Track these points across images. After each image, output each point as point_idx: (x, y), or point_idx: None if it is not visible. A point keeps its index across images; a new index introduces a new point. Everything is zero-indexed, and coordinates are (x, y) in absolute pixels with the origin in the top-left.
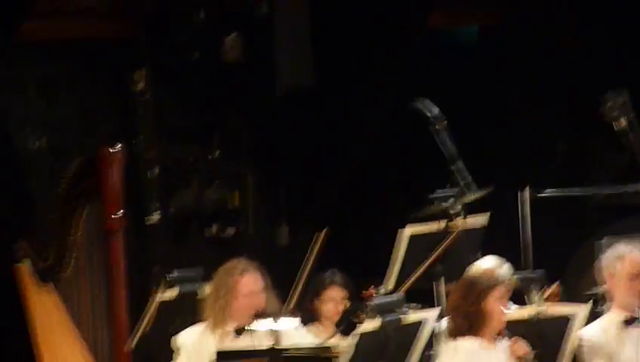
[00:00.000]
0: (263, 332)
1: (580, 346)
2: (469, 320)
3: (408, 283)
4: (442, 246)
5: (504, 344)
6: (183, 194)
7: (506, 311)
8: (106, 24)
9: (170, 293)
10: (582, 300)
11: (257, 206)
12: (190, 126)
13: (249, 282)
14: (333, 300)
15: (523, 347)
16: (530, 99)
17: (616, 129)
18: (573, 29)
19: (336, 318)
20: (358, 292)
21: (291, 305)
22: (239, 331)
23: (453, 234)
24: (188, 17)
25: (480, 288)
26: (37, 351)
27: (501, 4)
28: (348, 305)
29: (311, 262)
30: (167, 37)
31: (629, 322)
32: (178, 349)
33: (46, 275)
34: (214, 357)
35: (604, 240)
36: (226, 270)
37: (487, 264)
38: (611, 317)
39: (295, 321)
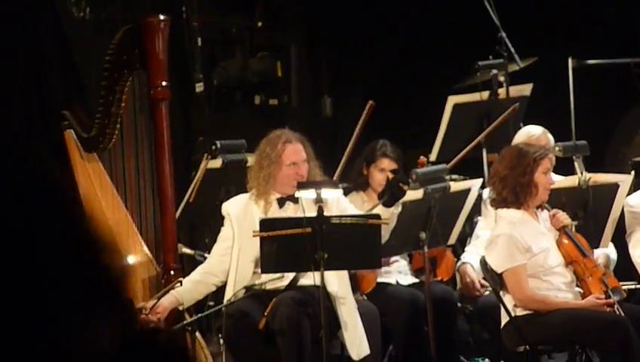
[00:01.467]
0: (306, 202)
1: (624, 212)
2: (516, 192)
3: (459, 157)
4: (496, 123)
5: (545, 215)
6: (227, 65)
7: (554, 176)
8: None
9: (215, 163)
10: (627, 169)
11: (301, 77)
12: None
13: (292, 152)
14: (383, 171)
15: (564, 217)
16: None
17: None
18: None
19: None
20: (406, 163)
21: (336, 176)
22: (282, 200)
23: (509, 110)
24: None
25: (529, 159)
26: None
27: None
28: (391, 176)
29: (357, 133)
30: None
31: None
32: (226, 216)
33: (89, 145)
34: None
35: None
36: (269, 140)
37: (535, 134)
38: None
39: (338, 191)
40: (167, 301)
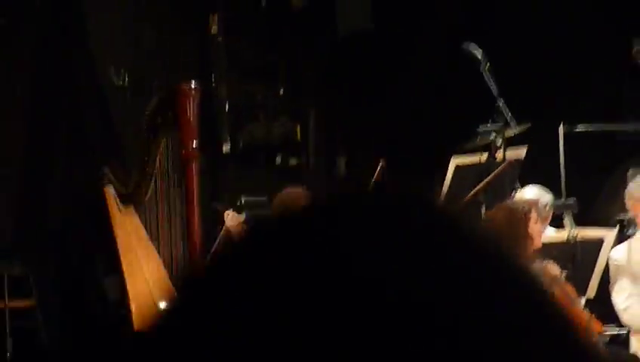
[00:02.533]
0: None
1: (608, 265)
2: (513, 244)
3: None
4: (493, 175)
5: (538, 266)
6: (251, 128)
7: (550, 232)
8: None
9: (239, 218)
10: (612, 225)
11: (318, 139)
12: (258, 66)
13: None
14: None
15: (555, 269)
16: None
17: None
18: None
19: None
20: None
21: None
22: None
23: (505, 163)
24: None
25: (521, 212)
26: (120, 267)
27: None
28: None
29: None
30: None
31: None
32: None
33: (127, 200)
34: None
35: (630, 172)
36: (280, 197)
37: (530, 193)
38: (637, 239)
39: None
40: None
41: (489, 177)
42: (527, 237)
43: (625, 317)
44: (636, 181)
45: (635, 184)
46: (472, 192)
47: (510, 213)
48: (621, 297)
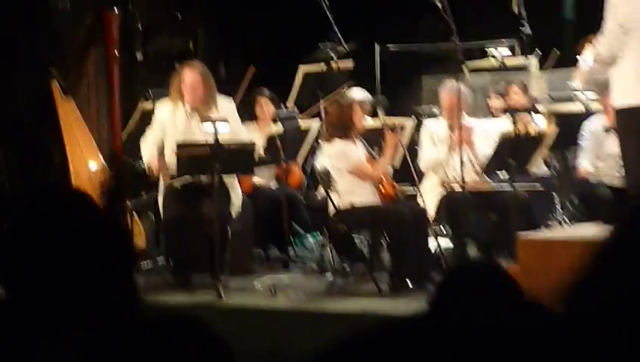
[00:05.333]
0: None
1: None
2: (342, 128)
3: (311, 107)
4: (341, 87)
5: (360, 141)
6: (157, 42)
7: (369, 121)
8: None
9: (148, 104)
10: (409, 115)
11: (206, 50)
12: None
13: (188, 73)
14: (262, 105)
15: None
16: None
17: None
18: None
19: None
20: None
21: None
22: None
23: (345, 85)
24: None
25: (347, 107)
26: (63, 142)
27: None
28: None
29: (244, 87)
30: None
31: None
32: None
33: (67, 92)
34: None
35: (426, 78)
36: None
37: (355, 93)
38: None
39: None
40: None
41: (332, 93)
42: (352, 122)
43: (421, 165)
44: (444, 85)
45: (443, 87)
46: (328, 96)
47: (341, 106)
48: (422, 161)
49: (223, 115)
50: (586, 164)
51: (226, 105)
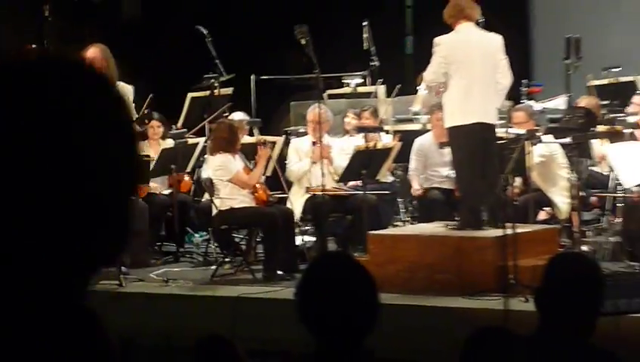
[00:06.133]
0: None
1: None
2: (227, 143)
3: (197, 126)
4: (221, 109)
5: (238, 155)
6: None
7: (246, 138)
8: None
9: None
10: (280, 134)
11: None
12: None
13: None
14: (153, 126)
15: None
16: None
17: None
18: None
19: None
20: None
21: None
22: None
23: (225, 106)
24: None
25: (235, 127)
26: None
27: None
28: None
29: (143, 110)
30: None
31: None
32: None
33: None
34: None
35: (293, 103)
36: None
37: (237, 115)
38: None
39: None
40: None
41: (219, 111)
42: (236, 140)
43: (289, 174)
44: (309, 108)
45: (308, 111)
46: (212, 117)
47: (229, 126)
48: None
49: None
50: (415, 185)
51: (127, 90)
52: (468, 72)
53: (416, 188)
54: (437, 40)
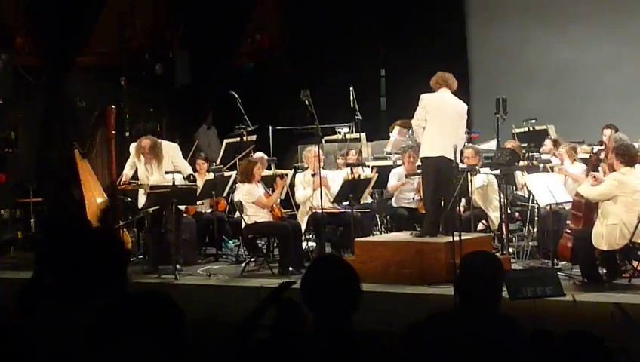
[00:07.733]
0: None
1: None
2: (246, 175)
3: (230, 163)
4: (247, 150)
5: (260, 184)
6: (137, 125)
7: (265, 171)
8: None
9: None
10: (290, 168)
11: (167, 130)
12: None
13: (144, 141)
14: (199, 164)
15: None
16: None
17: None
18: None
19: (202, 171)
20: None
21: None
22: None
23: (249, 148)
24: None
25: (255, 162)
26: (81, 186)
27: None
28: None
29: (191, 153)
30: None
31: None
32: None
33: (84, 156)
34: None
35: (300, 146)
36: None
37: (258, 154)
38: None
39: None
40: None
41: (246, 151)
42: (252, 172)
43: (297, 198)
44: (311, 150)
45: (308, 149)
46: (240, 156)
47: (251, 163)
48: (298, 194)
49: (177, 162)
50: (392, 184)
51: (173, 148)
52: (440, 120)
53: (393, 185)
54: (422, 96)
